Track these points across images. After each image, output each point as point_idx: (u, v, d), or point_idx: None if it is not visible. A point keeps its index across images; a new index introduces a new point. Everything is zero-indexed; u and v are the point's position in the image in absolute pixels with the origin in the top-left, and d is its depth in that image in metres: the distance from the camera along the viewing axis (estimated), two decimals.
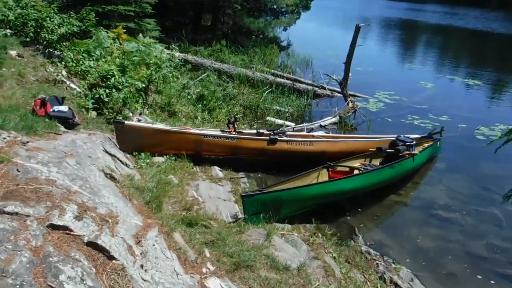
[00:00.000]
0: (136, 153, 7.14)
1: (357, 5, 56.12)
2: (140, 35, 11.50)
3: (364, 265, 5.57)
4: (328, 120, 10.70)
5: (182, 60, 11.78)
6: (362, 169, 7.41)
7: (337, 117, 10.82)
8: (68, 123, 6.89)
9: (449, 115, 12.39)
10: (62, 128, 6.64)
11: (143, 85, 8.56)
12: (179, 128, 7.83)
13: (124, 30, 11.16)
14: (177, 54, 12.07)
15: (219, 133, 7.90)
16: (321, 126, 10.49)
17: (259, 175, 7.78)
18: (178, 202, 5.77)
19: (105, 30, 10.65)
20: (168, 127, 7.69)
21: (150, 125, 7.42)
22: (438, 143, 9.38)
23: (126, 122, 7.20)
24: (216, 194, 6.37)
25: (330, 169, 7.25)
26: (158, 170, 6.70)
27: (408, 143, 8.23)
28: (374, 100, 13.20)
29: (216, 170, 7.40)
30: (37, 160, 4.23)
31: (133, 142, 7.12)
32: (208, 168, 7.47)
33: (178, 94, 9.74)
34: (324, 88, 13.21)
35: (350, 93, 12.04)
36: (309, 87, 12.77)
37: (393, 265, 5.74)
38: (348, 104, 11.22)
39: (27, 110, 6.71)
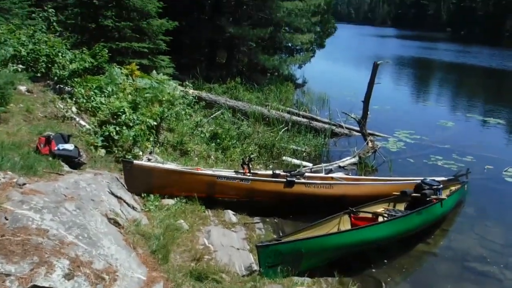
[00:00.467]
0: (145, 194, 6.70)
1: (370, 44, 56.38)
2: (154, 71, 11.28)
3: None
4: (347, 161, 10.19)
5: (196, 97, 11.48)
6: (387, 215, 6.85)
7: (357, 158, 10.32)
8: (73, 162, 6.48)
9: (474, 155, 11.79)
10: (67, 168, 6.24)
11: (155, 123, 8.20)
12: (190, 168, 7.39)
13: (138, 67, 10.96)
14: (191, 91, 11.80)
15: (233, 175, 7.44)
16: (340, 167, 9.97)
17: (275, 220, 7.24)
18: (187, 251, 5.26)
19: (118, 66, 10.45)
20: (179, 168, 7.25)
21: (160, 165, 7.00)
22: (466, 186, 8.80)
23: (135, 161, 6.80)
24: (229, 241, 5.84)
25: (352, 215, 6.69)
26: (167, 214, 6.23)
27: (435, 187, 7.67)
28: (394, 140, 12.68)
29: (230, 214, 6.89)
30: (30, 206, 3.78)
31: (142, 183, 6.69)
32: (221, 212, 6.97)
33: (191, 132, 9.36)
34: (342, 127, 12.76)
35: (369, 132, 11.55)
36: (326, 126, 12.34)
37: None
38: (367, 143, 10.72)
39: (31, 148, 6.34)
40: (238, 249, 5.67)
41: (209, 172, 7.31)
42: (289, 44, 19.33)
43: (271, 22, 15.91)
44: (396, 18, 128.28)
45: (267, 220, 7.18)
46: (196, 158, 8.79)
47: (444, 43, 62.28)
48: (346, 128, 12.79)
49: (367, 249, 6.25)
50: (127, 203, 5.87)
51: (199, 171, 7.16)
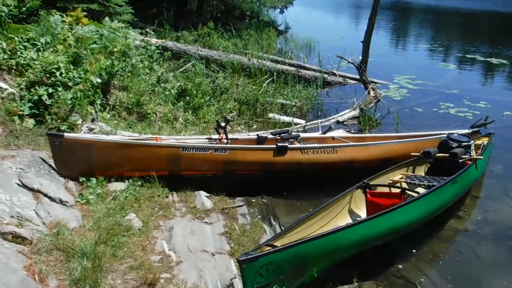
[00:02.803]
0: (84, 179, 4.89)
1: None
2: (106, 18, 9.14)
3: None
4: (347, 114, 8.44)
5: (160, 48, 9.47)
6: (413, 185, 5.18)
7: (357, 110, 8.55)
8: None
9: (487, 100, 10.24)
10: None
11: (101, 81, 6.27)
12: (147, 138, 5.55)
13: (85, 13, 8.85)
14: (153, 40, 9.73)
15: (205, 143, 5.63)
16: (338, 122, 8.22)
17: (264, 200, 5.50)
18: (134, 269, 3.51)
19: (58, 13, 8.32)
20: (130, 139, 5.40)
21: (103, 137, 5.13)
22: (493, 138, 7.15)
23: (66, 134, 4.94)
24: (200, 242, 4.10)
25: (367, 189, 4.98)
26: (112, 206, 4.44)
27: (465, 143, 5.99)
28: (395, 86, 10.93)
29: (202, 197, 5.13)
30: None
31: (79, 162, 4.89)
32: (190, 194, 5.21)
33: (152, 90, 7.44)
34: (335, 75, 10.92)
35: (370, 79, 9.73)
36: (317, 74, 10.47)
37: None
38: (369, 92, 8.92)
39: None
40: (213, 254, 3.94)
41: (172, 141, 5.48)
42: None
43: None
44: None
45: (253, 200, 5.45)
46: (159, 122, 6.94)
47: None
48: (340, 75, 10.96)
49: (392, 240, 4.58)
50: (49, 197, 4.06)
51: (159, 142, 5.34)
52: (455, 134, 6.22)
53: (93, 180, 4.92)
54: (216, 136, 5.90)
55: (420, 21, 27.90)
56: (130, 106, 6.82)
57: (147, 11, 13.69)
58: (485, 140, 6.83)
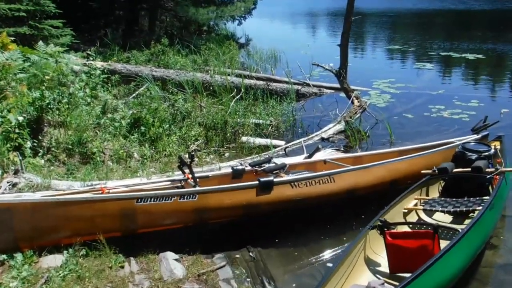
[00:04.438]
0: (5, 256, 3.55)
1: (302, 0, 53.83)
2: (40, 42, 7.77)
3: None
4: (331, 129, 7.31)
5: (107, 71, 8.14)
6: (433, 212, 4.08)
7: (342, 123, 7.44)
8: None
9: (477, 98, 9.46)
10: None
11: (23, 118, 4.92)
12: (89, 190, 4.23)
13: (12, 38, 7.48)
14: (98, 64, 8.37)
15: (167, 188, 4.36)
16: (323, 139, 7.08)
17: (251, 253, 4.21)
18: None
19: None
20: (65, 194, 4.06)
21: (27, 196, 3.79)
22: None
23: None
24: None
25: (385, 230, 3.79)
26: None
27: (486, 153, 4.94)
28: (376, 92, 9.94)
29: (170, 262, 3.83)
30: None
31: None
32: (152, 259, 3.90)
33: (97, 123, 6.09)
34: (309, 85, 9.83)
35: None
36: (289, 86, 9.33)
37: None
38: (353, 102, 7.82)
39: None
40: None
41: (123, 191, 4.18)
42: None
43: None
44: None
45: (237, 256, 4.16)
46: (109, 163, 5.59)
47: None
48: (315, 86, 9.88)
49: None
50: None
51: (105, 195, 4.03)
52: (472, 143, 5.17)
53: (18, 256, 3.57)
54: (180, 177, 4.62)
55: (377, 24, 27.45)
56: (70, 146, 5.46)
57: (94, 34, 12.31)
58: (497, 145, 5.80)
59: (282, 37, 20.43)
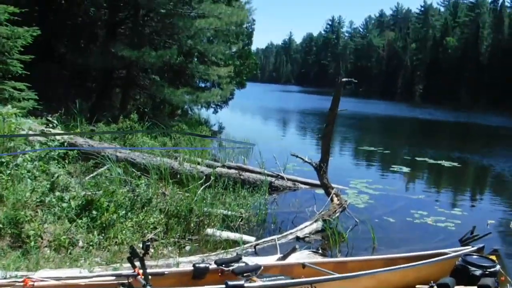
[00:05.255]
0: None
1: (273, 98, 55.66)
2: None
3: None
4: (307, 228, 6.55)
5: (66, 144, 7.34)
6: None
7: (320, 222, 6.72)
8: None
9: (460, 206, 9.12)
10: None
11: None
12: (8, 284, 3.26)
13: None
14: (58, 136, 7.55)
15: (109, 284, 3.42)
16: (298, 238, 6.30)
17: None
18: None
19: None
20: None
21: None
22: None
23: None
24: None
25: None
26: None
27: (491, 269, 4.29)
28: (354, 192, 9.35)
29: None
30: None
31: None
32: None
33: (39, 201, 5.16)
34: (283, 178, 9.21)
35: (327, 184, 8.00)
36: (262, 177, 8.68)
37: None
38: (332, 199, 7.17)
39: None
40: None
41: (49, 284, 3.22)
42: (201, 84, 15.65)
43: (181, 50, 12.22)
44: (300, 77, 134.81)
45: None
46: (46, 249, 4.61)
47: (345, 97, 63.50)
48: (289, 180, 9.26)
49: None
50: None
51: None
52: (474, 256, 4.51)
53: None
54: (129, 271, 3.69)
55: (348, 125, 27.93)
56: (1, 226, 4.50)
57: (61, 103, 11.57)
58: (494, 260, 5.15)
59: (255, 128, 20.55)
